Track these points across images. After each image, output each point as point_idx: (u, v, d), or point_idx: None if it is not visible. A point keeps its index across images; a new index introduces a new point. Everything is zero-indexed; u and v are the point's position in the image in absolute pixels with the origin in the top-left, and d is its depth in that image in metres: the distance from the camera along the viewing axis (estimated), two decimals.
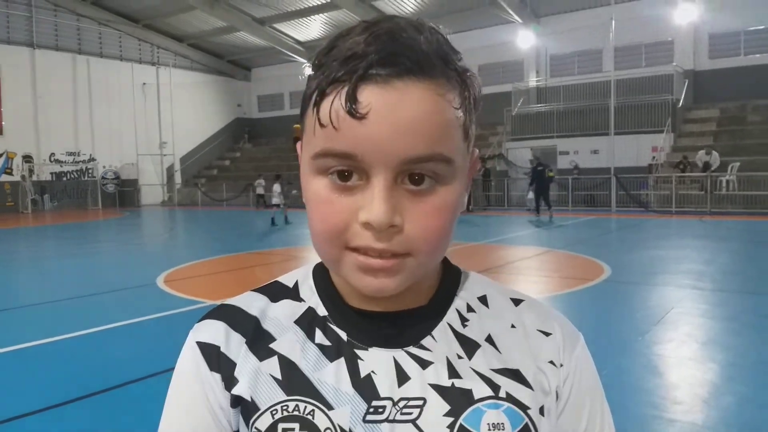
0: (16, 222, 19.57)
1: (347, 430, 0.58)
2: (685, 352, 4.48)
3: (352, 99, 0.52)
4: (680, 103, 20.59)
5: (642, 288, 6.84)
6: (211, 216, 21.26)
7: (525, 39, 23.68)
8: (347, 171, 0.54)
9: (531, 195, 17.84)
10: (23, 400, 3.65)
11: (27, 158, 25.01)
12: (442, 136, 0.54)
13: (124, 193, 27.72)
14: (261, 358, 0.63)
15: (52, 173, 25.96)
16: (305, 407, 0.60)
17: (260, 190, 23.70)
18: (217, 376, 0.63)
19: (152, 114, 28.26)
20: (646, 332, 4.91)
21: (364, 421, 0.59)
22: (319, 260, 0.70)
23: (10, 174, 24.52)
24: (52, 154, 25.88)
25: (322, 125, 0.54)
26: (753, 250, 10.00)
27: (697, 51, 21.67)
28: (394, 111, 0.52)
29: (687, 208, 17.22)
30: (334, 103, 0.53)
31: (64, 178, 26.43)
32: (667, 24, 21.35)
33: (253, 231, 16.07)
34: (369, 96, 0.52)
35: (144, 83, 28.48)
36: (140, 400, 3.62)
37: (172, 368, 0.66)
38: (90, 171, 27.13)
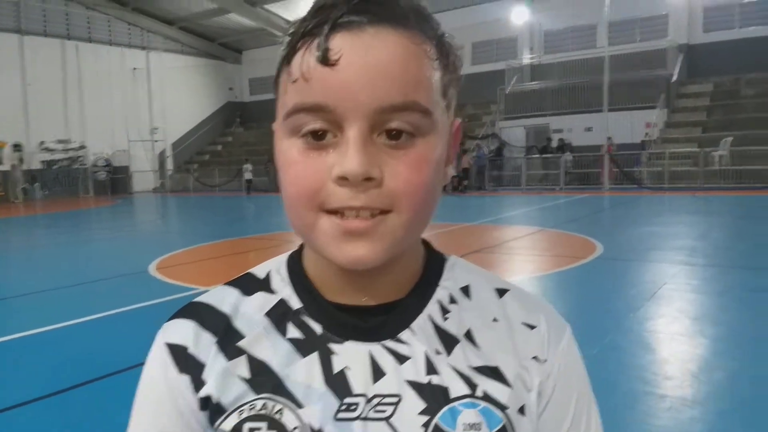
0: (7, 212, 19.43)
1: (317, 428, 0.55)
2: (676, 327, 4.48)
3: (322, 46, 0.50)
4: (674, 78, 20.49)
5: (634, 264, 6.84)
6: (204, 202, 21.17)
7: (519, 15, 23.46)
8: (320, 131, 0.51)
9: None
10: (14, 391, 3.63)
11: (17, 147, 24.76)
12: (418, 85, 0.51)
13: (116, 180, 27.47)
14: (229, 358, 0.59)
15: (42, 161, 25.72)
16: (273, 406, 0.56)
17: (248, 176, 23.54)
18: (186, 378, 0.59)
19: (143, 99, 27.99)
20: (638, 308, 4.91)
21: (336, 419, 0.55)
22: (292, 249, 0.66)
23: (0, 163, 24.29)
24: (42, 142, 25.59)
25: (293, 80, 0.52)
26: (745, 225, 10.02)
27: (692, 24, 21.52)
28: (367, 56, 0.50)
29: (680, 184, 17.23)
30: (305, 56, 0.51)
31: (55, 167, 26.17)
32: None
33: (246, 216, 16.03)
34: (340, 42, 0.50)
35: (134, 68, 28.16)
36: (134, 388, 3.60)
37: None
38: (81, 159, 26.89)
